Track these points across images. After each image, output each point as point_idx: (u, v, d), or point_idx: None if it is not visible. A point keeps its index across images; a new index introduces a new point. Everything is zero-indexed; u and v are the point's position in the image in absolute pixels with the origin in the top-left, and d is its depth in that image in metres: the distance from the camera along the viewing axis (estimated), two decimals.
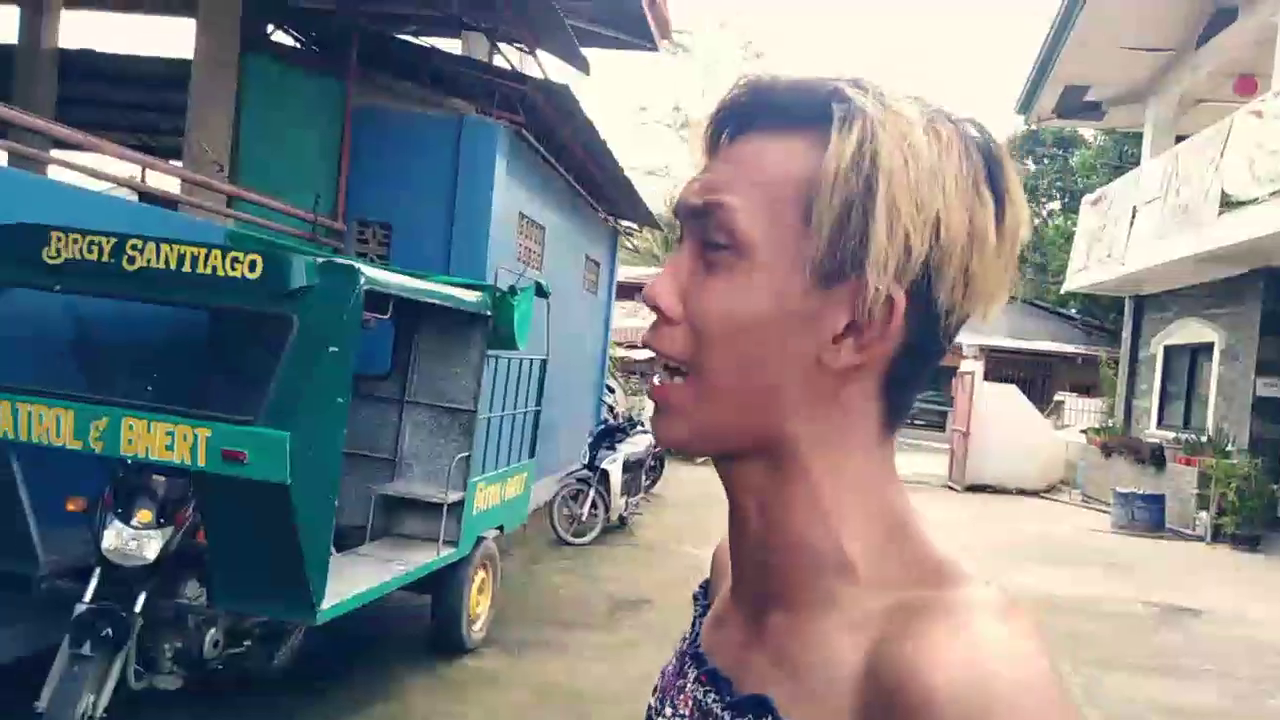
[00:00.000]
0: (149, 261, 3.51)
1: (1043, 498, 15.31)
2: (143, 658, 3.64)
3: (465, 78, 7.35)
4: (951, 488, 15.67)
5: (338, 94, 7.22)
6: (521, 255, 8.34)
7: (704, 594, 0.82)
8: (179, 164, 7.30)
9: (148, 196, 7.58)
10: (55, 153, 6.47)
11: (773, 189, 0.60)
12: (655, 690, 0.78)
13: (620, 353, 22.14)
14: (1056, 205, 34.79)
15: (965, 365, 16.64)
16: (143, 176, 5.66)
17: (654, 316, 0.64)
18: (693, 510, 10.74)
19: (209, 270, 3.47)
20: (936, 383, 26.72)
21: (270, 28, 7.61)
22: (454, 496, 4.82)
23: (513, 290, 5.11)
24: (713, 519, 10.25)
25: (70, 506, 3.63)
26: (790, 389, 0.61)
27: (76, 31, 10.22)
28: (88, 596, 3.47)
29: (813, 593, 0.62)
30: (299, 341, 3.39)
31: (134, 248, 3.52)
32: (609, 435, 9.00)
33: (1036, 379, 25.97)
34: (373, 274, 3.69)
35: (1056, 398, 22.20)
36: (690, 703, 0.69)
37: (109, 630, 3.37)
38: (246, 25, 7.17)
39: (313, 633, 4.52)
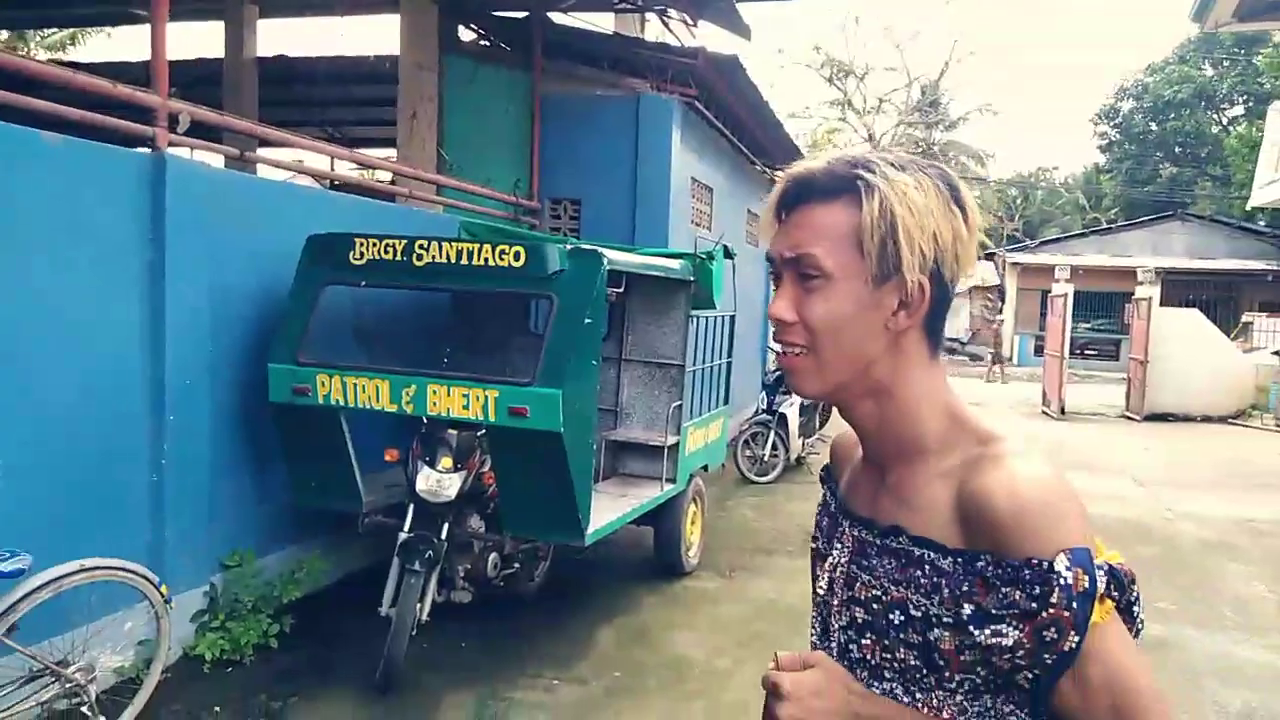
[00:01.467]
0: (433, 257, 4.33)
1: (1231, 424, 14.74)
2: (441, 577, 4.53)
3: (640, 58, 7.92)
4: (1130, 417, 15.31)
5: (526, 85, 7.98)
6: (694, 217, 8.94)
7: (828, 475, 1.35)
8: (392, 159, 8.27)
9: (342, 186, 8.58)
10: (262, 151, 7.43)
11: (834, 237, 1.05)
12: (815, 540, 1.28)
13: None
14: (1239, 110, 32.00)
15: (1141, 291, 16.05)
16: (367, 170, 6.58)
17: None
18: None
19: (482, 261, 4.25)
20: (1109, 310, 25.61)
21: (462, 29, 8.42)
22: (671, 440, 5.53)
23: (709, 255, 5.73)
24: None
25: (388, 457, 4.54)
26: (871, 349, 1.07)
27: (274, 39, 11.35)
28: (406, 528, 4.39)
29: (911, 460, 1.12)
30: (559, 316, 4.12)
31: (421, 246, 4.34)
32: (783, 381, 9.52)
33: (1221, 300, 24.45)
34: (612, 256, 4.37)
35: (1244, 319, 20.92)
36: (850, 539, 1.20)
37: (428, 553, 4.27)
38: (442, 29, 8.02)
39: (556, 560, 5.37)
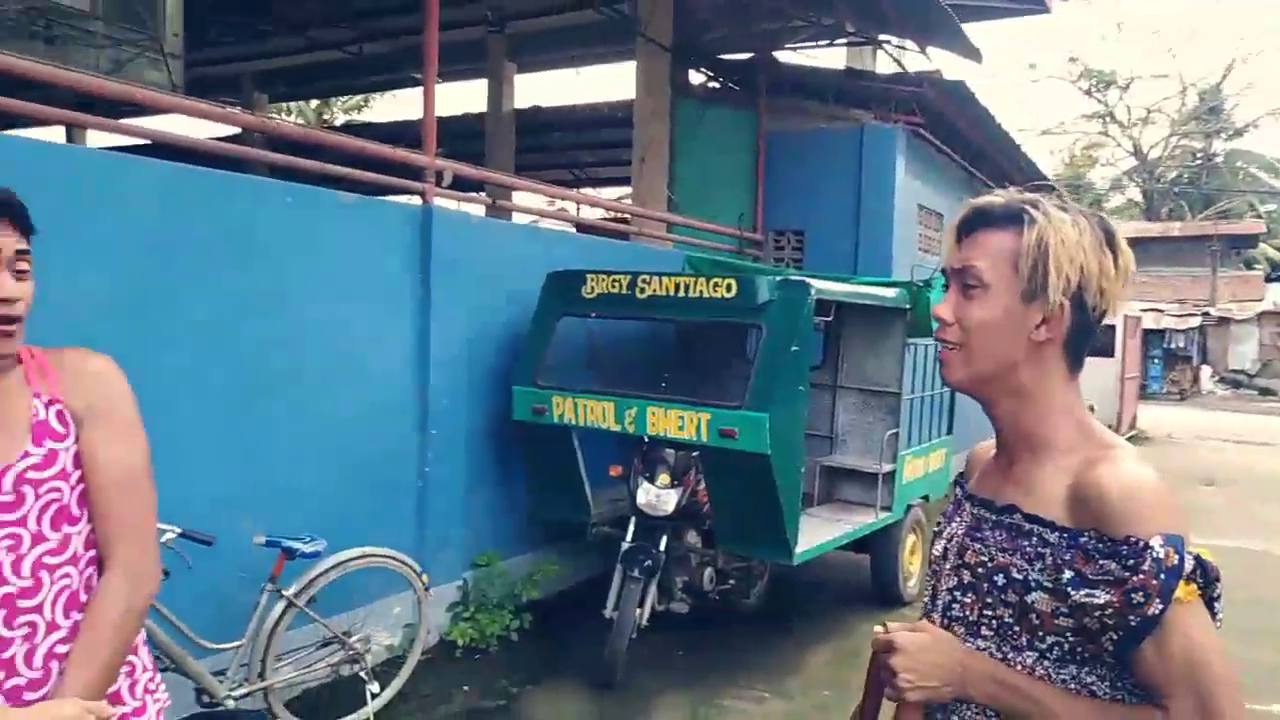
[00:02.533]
0: (655, 290, 4.73)
1: None
2: (660, 587, 4.86)
3: (864, 89, 8.02)
4: None
5: (751, 123, 8.32)
6: (922, 244, 8.83)
7: (961, 479, 1.50)
8: (627, 200, 8.89)
9: (584, 226, 9.27)
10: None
11: (996, 256, 1.26)
12: (938, 523, 1.47)
13: None
14: None
15: None
16: (578, 210, 7.15)
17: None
18: None
19: (698, 294, 4.59)
20: None
21: (692, 73, 8.92)
22: (886, 467, 5.56)
23: (927, 284, 5.73)
24: None
25: (612, 473, 4.97)
26: (1013, 353, 1.27)
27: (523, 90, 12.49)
28: (629, 538, 4.78)
29: (1038, 457, 1.28)
30: (767, 344, 4.36)
31: (644, 280, 4.76)
32: None
33: None
34: (819, 285, 4.55)
35: None
36: (968, 515, 1.38)
37: (648, 562, 4.63)
38: (673, 75, 8.55)
39: (774, 582, 5.56)
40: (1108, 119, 33.96)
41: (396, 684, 4.24)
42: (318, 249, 4.24)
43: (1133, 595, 1.10)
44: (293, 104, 24.26)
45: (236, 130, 10.42)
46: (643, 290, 4.78)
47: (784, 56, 8.69)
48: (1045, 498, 1.23)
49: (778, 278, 4.55)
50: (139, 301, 3.52)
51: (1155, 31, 48.71)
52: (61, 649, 1.49)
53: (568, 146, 14.45)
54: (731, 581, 5.19)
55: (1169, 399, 24.21)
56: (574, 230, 7.06)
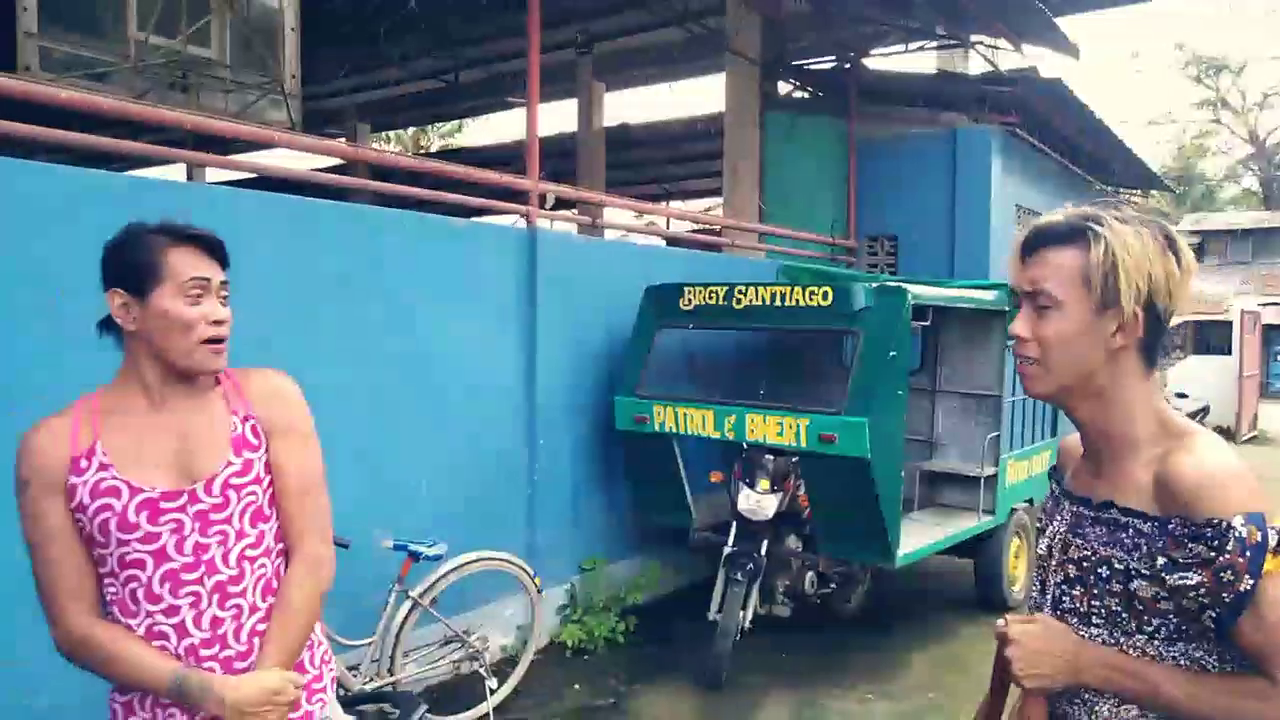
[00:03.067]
0: (751, 300, 4.85)
1: None
2: (762, 591, 4.96)
3: (955, 92, 7.97)
4: None
5: (842, 131, 8.35)
6: None
7: (1054, 472, 1.58)
8: (716, 213, 9.01)
9: (676, 240, 9.40)
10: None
11: (1065, 274, 1.33)
12: (1039, 520, 1.54)
13: None
14: None
15: None
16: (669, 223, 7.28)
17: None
18: None
19: (794, 302, 4.69)
20: None
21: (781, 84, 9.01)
22: (988, 470, 5.52)
23: None
24: None
25: (712, 479, 5.10)
26: (1092, 361, 1.35)
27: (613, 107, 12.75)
28: (730, 542, 4.89)
29: (1124, 453, 1.36)
30: (865, 350, 4.43)
31: (740, 291, 4.89)
32: None
33: None
34: (916, 290, 4.60)
35: None
36: (1068, 513, 1.45)
37: (750, 565, 4.74)
38: (762, 86, 8.66)
39: (876, 586, 5.58)
40: (1219, 105, 32.35)
41: (513, 680, 4.46)
42: (435, 271, 4.52)
43: (1222, 574, 1.19)
44: (391, 132, 25.32)
45: (340, 161, 11.04)
46: (739, 301, 4.91)
47: (873, 63, 8.69)
48: (1135, 491, 1.32)
49: (874, 284, 4.61)
50: (281, 323, 3.84)
51: (1271, 10, 45.99)
52: (261, 627, 1.73)
53: (657, 161, 14.70)
54: (833, 585, 5.25)
55: None
56: (665, 244, 7.24)
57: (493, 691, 4.20)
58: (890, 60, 8.82)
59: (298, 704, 1.73)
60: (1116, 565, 1.31)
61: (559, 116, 13.72)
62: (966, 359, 6.02)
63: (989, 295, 5.58)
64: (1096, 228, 1.32)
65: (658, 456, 5.11)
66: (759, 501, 4.81)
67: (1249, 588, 1.18)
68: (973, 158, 7.79)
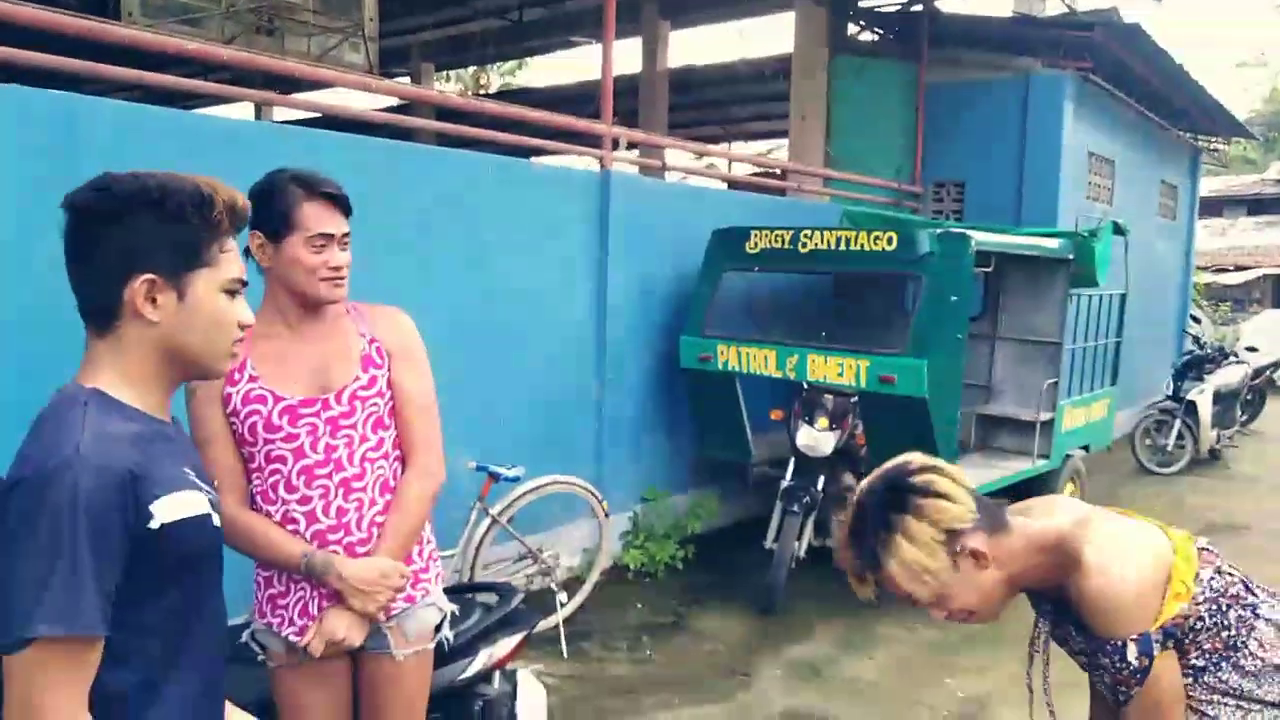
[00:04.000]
0: (816, 244, 4.99)
1: None
2: (817, 524, 5.18)
3: (1030, 36, 7.84)
4: None
5: (911, 75, 8.29)
6: (1090, 193, 8.58)
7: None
8: (779, 158, 9.04)
9: (739, 184, 9.46)
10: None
11: (907, 582, 1.59)
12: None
13: (1206, 278, 19.76)
14: None
15: None
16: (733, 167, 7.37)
17: None
18: None
19: (859, 247, 4.82)
20: None
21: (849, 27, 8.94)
22: (1044, 416, 5.63)
23: (1092, 233, 5.70)
24: None
25: (773, 416, 5.31)
26: (994, 584, 1.62)
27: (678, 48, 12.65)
28: (788, 477, 5.12)
29: (1059, 593, 1.64)
30: (927, 294, 4.56)
31: (806, 235, 5.03)
32: (1196, 366, 8.76)
33: None
34: (979, 237, 4.69)
35: None
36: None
37: (806, 499, 4.96)
38: (831, 29, 8.61)
39: None
40: None
41: (580, 596, 4.79)
42: (514, 212, 4.75)
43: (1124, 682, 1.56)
44: (450, 72, 25.42)
45: (403, 101, 11.25)
46: (804, 245, 5.05)
47: (946, 5, 8.57)
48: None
49: (938, 230, 4.71)
50: (371, 258, 4.11)
51: None
52: (379, 519, 2.01)
53: (721, 103, 14.62)
54: None
55: None
56: (727, 187, 7.35)
57: (562, 605, 4.52)
58: (964, 2, 8.68)
59: (404, 588, 2.02)
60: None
61: (621, 56, 13.71)
62: (1028, 306, 6.08)
63: (1053, 243, 5.63)
64: (876, 559, 1.59)
65: (720, 394, 5.33)
66: (817, 438, 5.01)
67: (1134, 695, 1.56)
68: (1046, 105, 7.70)
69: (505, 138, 5.16)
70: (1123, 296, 6.42)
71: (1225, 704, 1.58)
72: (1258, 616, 1.59)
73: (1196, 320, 10.61)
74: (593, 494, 4.67)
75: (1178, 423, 8.40)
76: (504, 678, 2.45)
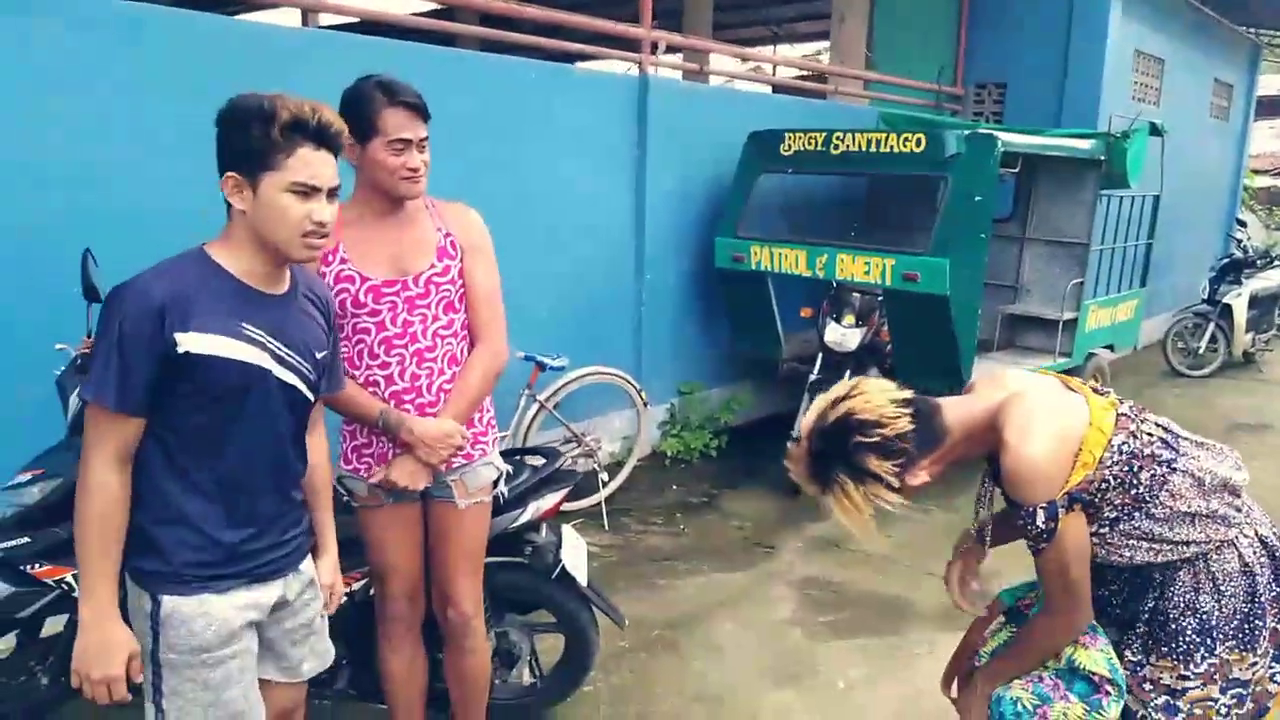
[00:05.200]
0: (848, 147, 5.15)
1: None
2: None
3: None
4: None
5: None
6: (1137, 94, 8.47)
7: None
8: (822, 59, 8.98)
9: (781, 87, 9.39)
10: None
11: (869, 498, 1.84)
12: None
13: (1261, 181, 19.15)
14: None
15: None
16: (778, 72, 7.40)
17: None
18: None
19: (889, 149, 4.98)
20: None
21: None
22: (1068, 315, 5.82)
23: (1125, 134, 5.75)
24: None
25: (803, 314, 5.57)
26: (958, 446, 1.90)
27: None
28: (816, 371, 5.41)
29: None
30: (952, 194, 4.73)
31: (838, 138, 5.18)
32: (1234, 269, 8.76)
33: None
34: (1007, 138, 4.82)
35: None
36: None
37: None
38: None
39: None
40: None
41: (620, 477, 5.20)
42: (554, 116, 4.97)
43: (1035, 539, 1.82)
44: None
45: (439, 6, 11.24)
46: (837, 147, 5.21)
47: None
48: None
49: (966, 132, 4.84)
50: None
51: None
52: (446, 386, 2.35)
53: (767, 3, 14.37)
54: None
55: None
56: (770, 91, 7.42)
57: (604, 485, 4.93)
58: None
59: (465, 447, 2.37)
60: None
61: None
62: (1057, 207, 6.19)
63: (1085, 144, 5.70)
64: (832, 484, 1.82)
65: (753, 292, 5.59)
66: (844, 335, 5.27)
67: (1044, 549, 1.80)
68: (1092, 1, 7.57)
69: (547, 43, 5.34)
70: (1156, 198, 6.47)
71: (1140, 546, 1.84)
72: (1173, 470, 1.82)
73: (1243, 224, 10.45)
74: (632, 384, 5.03)
75: (1211, 325, 8.47)
76: (550, 529, 2.83)
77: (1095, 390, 1.93)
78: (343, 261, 2.25)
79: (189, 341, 1.62)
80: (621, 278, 5.55)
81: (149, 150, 3.47)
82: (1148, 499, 1.81)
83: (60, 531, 2.29)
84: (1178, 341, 8.69)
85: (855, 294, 5.31)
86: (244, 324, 1.69)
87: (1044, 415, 1.81)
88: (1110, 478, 1.79)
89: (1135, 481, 1.80)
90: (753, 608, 3.97)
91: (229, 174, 1.66)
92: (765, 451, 5.91)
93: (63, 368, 2.48)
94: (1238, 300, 8.44)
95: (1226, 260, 8.93)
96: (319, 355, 1.87)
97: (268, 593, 1.81)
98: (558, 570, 2.75)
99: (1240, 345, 8.55)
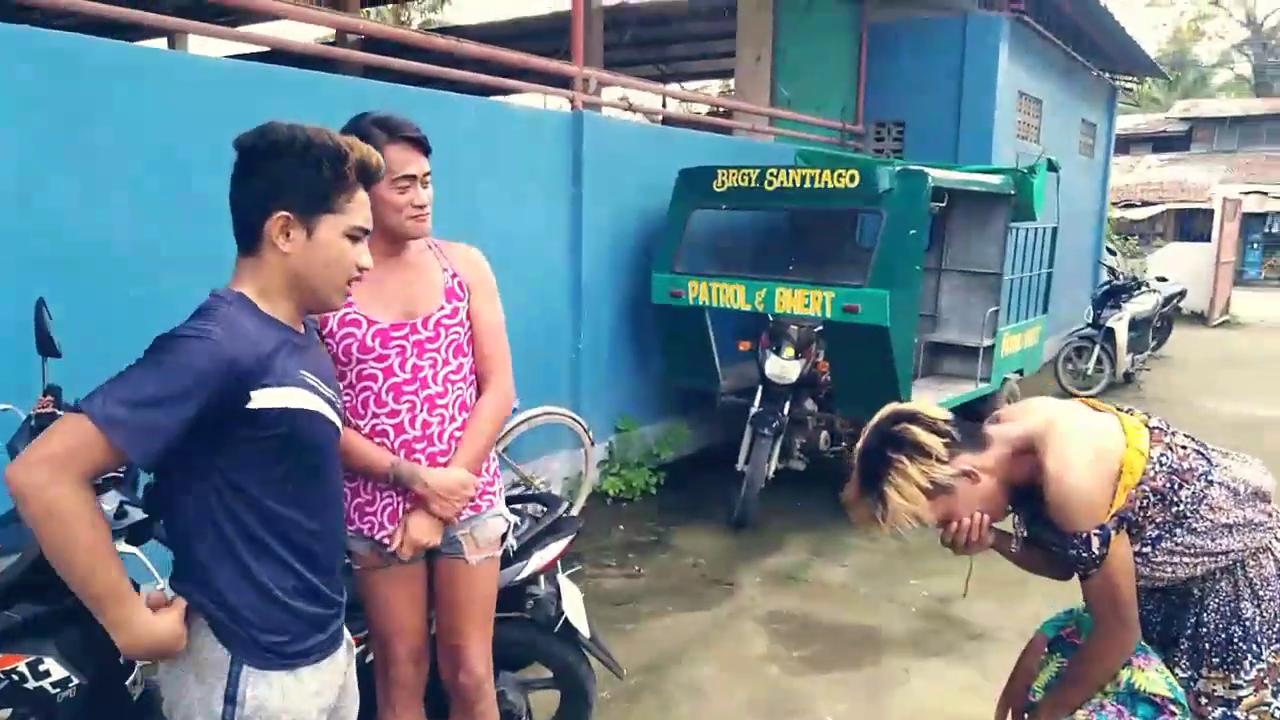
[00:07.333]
0: (781, 183, 5.26)
1: None
2: (781, 448, 5.55)
3: None
4: None
5: (855, 14, 8.53)
6: (1020, 131, 9.03)
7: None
8: (727, 97, 9.18)
9: (674, 121, 9.56)
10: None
11: (906, 516, 1.88)
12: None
13: (1117, 214, 20.77)
14: None
15: None
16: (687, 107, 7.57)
17: None
18: (1203, 370, 10.70)
19: (823, 184, 5.10)
20: None
21: None
22: (986, 342, 6.08)
23: (1031, 170, 6.10)
24: (1222, 378, 10.11)
25: (741, 347, 5.61)
26: (995, 500, 1.92)
27: None
28: (756, 403, 5.45)
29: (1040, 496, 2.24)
30: (887, 228, 4.88)
31: (771, 174, 5.28)
32: (1113, 295, 9.41)
33: None
34: (935, 174, 5.02)
35: None
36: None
37: (775, 423, 5.31)
38: None
39: None
40: None
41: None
42: (494, 152, 4.88)
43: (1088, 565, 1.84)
44: (371, 9, 24.57)
45: (329, 32, 10.92)
46: (770, 183, 5.31)
47: None
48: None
49: (897, 167, 5.02)
50: None
51: None
52: (457, 434, 2.22)
53: (661, 42, 14.60)
54: (844, 443, 5.85)
55: (1270, 285, 23.63)
56: (661, 124, 7.52)
57: None
58: None
59: (475, 498, 2.25)
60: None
61: None
62: (972, 239, 6.49)
63: (997, 179, 6.01)
64: (880, 496, 1.85)
65: (690, 327, 5.60)
66: (784, 367, 5.34)
67: (1093, 573, 1.82)
68: (981, 45, 8.06)
69: (473, 77, 5.25)
70: (1054, 230, 6.88)
71: (1182, 562, 1.88)
72: (1210, 483, 1.87)
73: (1112, 253, 11.29)
74: (580, 423, 4.93)
75: (1097, 348, 9.04)
76: (547, 579, 2.71)
77: (1120, 409, 1.98)
78: (347, 305, 2.10)
79: (263, 398, 1.47)
80: (559, 315, 5.47)
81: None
82: (1189, 514, 1.85)
83: (13, 615, 2.03)
84: (1068, 364, 9.23)
85: (793, 326, 5.38)
86: (303, 370, 1.55)
87: (1081, 439, 1.84)
88: (1151, 492, 1.83)
89: (1176, 499, 1.84)
90: (725, 646, 3.92)
91: (281, 214, 1.51)
92: (705, 486, 5.90)
93: (13, 433, 2.21)
94: (1119, 324, 9.04)
95: (1106, 287, 9.58)
96: (339, 388, 1.76)
97: (335, 669, 1.67)
98: (560, 623, 2.63)
99: (1123, 366, 9.16)
